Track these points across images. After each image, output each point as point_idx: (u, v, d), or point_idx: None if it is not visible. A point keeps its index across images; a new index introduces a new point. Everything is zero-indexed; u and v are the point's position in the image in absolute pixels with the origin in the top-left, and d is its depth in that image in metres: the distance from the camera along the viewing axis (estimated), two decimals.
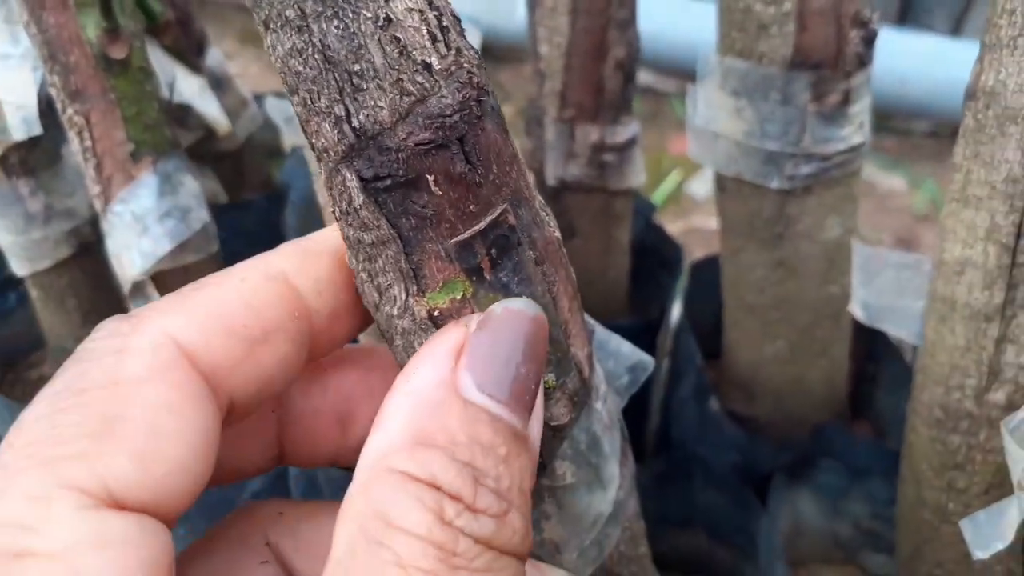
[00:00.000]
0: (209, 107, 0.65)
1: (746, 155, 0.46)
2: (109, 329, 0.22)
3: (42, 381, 0.69)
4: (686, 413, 0.58)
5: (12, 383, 0.69)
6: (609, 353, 0.34)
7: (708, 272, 0.61)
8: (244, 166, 0.77)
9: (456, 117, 0.23)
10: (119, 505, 0.20)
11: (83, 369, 0.21)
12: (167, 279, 0.53)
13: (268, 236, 0.74)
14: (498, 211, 0.24)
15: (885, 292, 0.43)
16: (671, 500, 0.54)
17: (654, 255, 0.67)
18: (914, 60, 1.24)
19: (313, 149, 0.24)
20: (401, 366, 0.26)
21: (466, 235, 0.23)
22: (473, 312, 0.24)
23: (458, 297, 0.24)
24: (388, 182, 0.23)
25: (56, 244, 0.60)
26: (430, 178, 0.23)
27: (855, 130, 0.46)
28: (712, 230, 1.19)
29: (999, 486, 0.39)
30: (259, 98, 0.80)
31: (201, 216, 0.52)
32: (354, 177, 0.23)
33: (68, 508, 0.19)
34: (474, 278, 0.24)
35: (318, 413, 0.27)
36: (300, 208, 0.73)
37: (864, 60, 0.45)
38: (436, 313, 0.24)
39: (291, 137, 0.66)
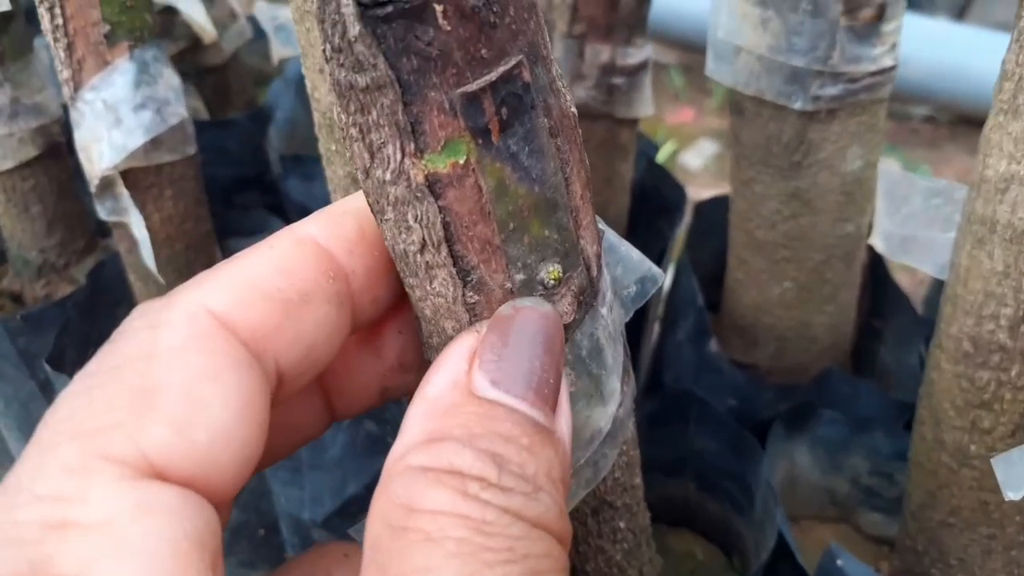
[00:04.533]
0: (195, 12, 0.62)
1: (769, 71, 0.43)
2: (140, 310, 0.22)
3: (3, 295, 0.66)
4: (682, 356, 0.55)
5: None
6: (618, 259, 0.31)
7: (713, 213, 0.58)
8: (229, 84, 0.73)
9: None
10: (161, 476, 0.19)
11: (117, 347, 0.21)
12: (138, 177, 0.49)
13: (250, 157, 0.71)
14: (512, 62, 0.21)
15: (911, 222, 0.40)
16: (661, 444, 0.51)
17: (655, 198, 0.64)
18: (916, 44, 1.21)
19: None
20: (392, 247, 0.24)
21: (475, 85, 0.20)
22: (477, 182, 0.21)
23: (460, 161, 0.21)
24: (390, 9, 0.19)
25: (21, 142, 0.56)
26: (438, 8, 0.20)
27: (887, 51, 0.43)
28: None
29: None
30: (251, 19, 0.76)
31: (179, 111, 0.49)
32: (350, 2, 0.20)
33: (107, 479, 0.19)
34: (480, 140, 0.21)
35: (347, 346, 0.26)
36: (284, 130, 0.69)
37: None
38: (434, 178, 0.21)
39: (280, 48, 0.63)
